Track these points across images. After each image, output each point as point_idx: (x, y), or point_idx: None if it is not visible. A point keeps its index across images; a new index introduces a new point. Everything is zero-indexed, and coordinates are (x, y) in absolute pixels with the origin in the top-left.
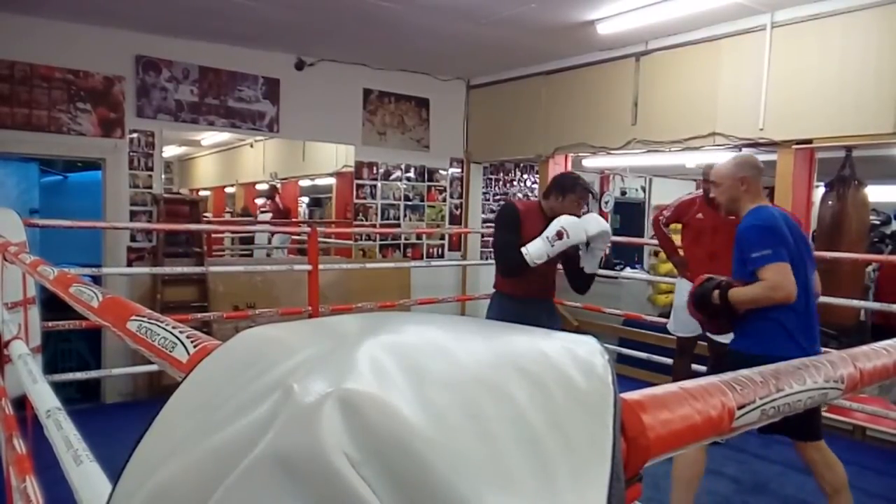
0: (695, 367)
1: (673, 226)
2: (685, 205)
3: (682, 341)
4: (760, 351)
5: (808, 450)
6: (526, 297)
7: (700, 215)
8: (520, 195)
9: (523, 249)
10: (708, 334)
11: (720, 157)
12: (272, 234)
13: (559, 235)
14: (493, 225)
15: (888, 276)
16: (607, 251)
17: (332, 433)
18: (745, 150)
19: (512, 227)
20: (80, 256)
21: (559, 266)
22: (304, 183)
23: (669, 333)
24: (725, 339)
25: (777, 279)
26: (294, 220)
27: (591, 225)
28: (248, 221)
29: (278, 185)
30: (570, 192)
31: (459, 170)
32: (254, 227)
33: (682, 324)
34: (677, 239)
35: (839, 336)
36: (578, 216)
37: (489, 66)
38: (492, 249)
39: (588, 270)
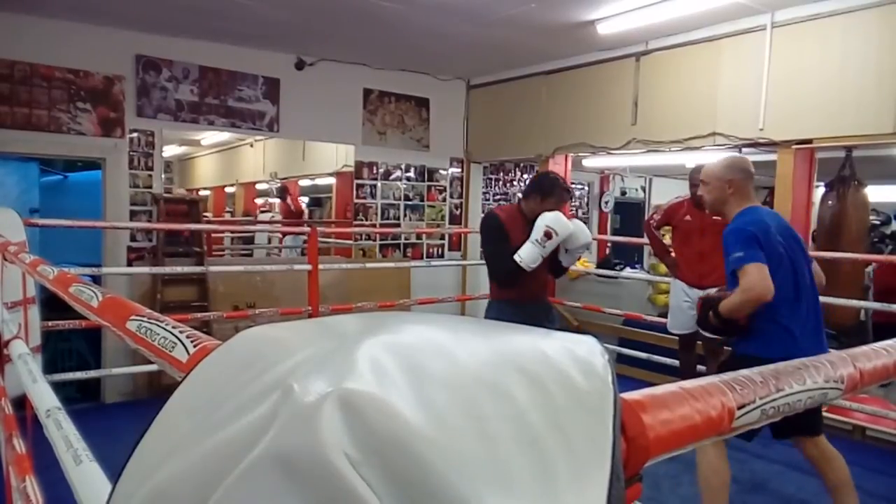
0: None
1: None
2: (674, 207)
3: (683, 338)
4: (763, 353)
5: (808, 445)
6: (523, 301)
7: (688, 217)
8: (519, 195)
9: (516, 257)
10: (700, 331)
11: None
12: (283, 234)
13: (548, 235)
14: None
15: (883, 273)
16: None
17: (332, 433)
18: (746, 150)
19: (499, 236)
20: (80, 256)
21: None
22: (304, 183)
23: (669, 333)
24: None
25: (747, 281)
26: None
27: (579, 238)
28: (248, 221)
29: (288, 186)
30: (550, 195)
31: (459, 170)
32: (254, 227)
33: (679, 322)
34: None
35: (839, 336)
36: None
37: (489, 66)
38: (484, 262)
39: (566, 265)
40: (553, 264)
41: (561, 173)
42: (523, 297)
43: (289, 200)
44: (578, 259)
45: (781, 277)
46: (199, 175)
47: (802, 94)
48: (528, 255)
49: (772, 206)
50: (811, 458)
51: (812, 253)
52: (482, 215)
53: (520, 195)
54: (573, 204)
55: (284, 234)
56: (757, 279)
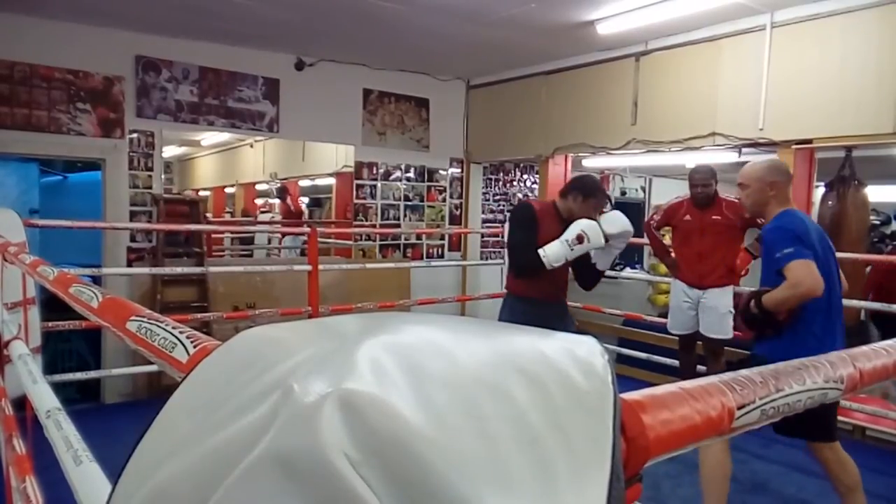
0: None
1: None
2: (673, 208)
3: (682, 338)
4: (784, 355)
5: (823, 450)
6: (539, 300)
7: (688, 217)
8: (520, 195)
9: (541, 251)
10: (701, 332)
11: (720, 158)
12: (282, 234)
13: (579, 239)
14: (494, 225)
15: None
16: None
17: (332, 433)
18: (746, 151)
19: (529, 226)
20: (80, 257)
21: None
22: (304, 183)
23: (669, 333)
24: (720, 335)
25: (797, 275)
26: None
27: (614, 224)
28: (248, 221)
29: (287, 187)
30: (591, 196)
31: (459, 170)
32: (254, 227)
33: (679, 322)
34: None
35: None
36: (594, 219)
37: (489, 66)
38: (505, 249)
39: (601, 268)
40: (585, 270)
41: (561, 173)
42: (539, 295)
43: (288, 201)
44: (615, 258)
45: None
46: (198, 175)
47: (802, 94)
48: (553, 252)
49: None
50: (825, 462)
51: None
52: (518, 201)
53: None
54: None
55: (284, 234)
56: (806, 273)
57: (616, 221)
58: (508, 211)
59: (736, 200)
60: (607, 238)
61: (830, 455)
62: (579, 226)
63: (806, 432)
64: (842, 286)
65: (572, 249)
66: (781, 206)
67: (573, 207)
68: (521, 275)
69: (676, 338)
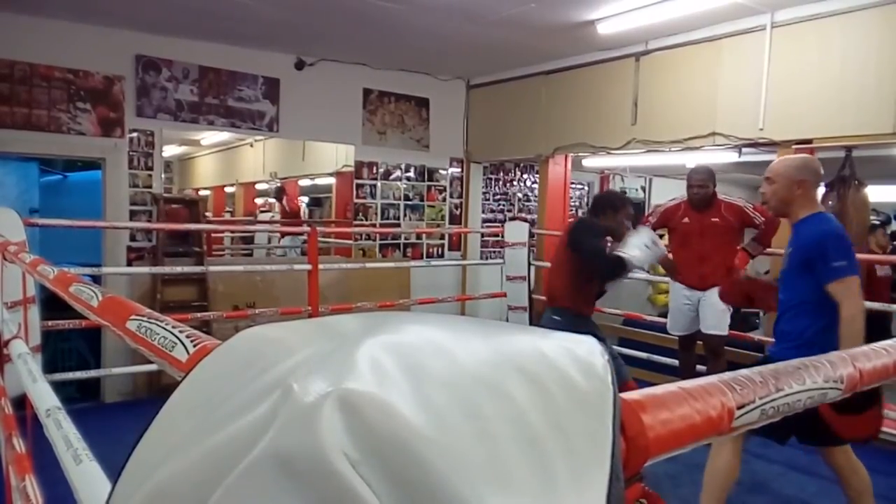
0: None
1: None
2: (671, 210)
3: (682, 339)
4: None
5: (836, 454)
6: (589, 316)
7: (686, 219)
8: (519, 195)
9: (624, 254)
10: (701, 329)
11: (720, 158)
12: (281, 234)
13: (648, 246)
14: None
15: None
16: None
17: (331, 433)
18: (746, 151)
19: (601, 235)
20: (80, 256)
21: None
22: (304, 183)
23: (668, 333)
24: (718, 331)
25: (856, 291)
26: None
27: (645, 260)
28: (248, 221)
29: (285, 187)
30: (622, 208)
31: (459, 169)
32: (254, 227)
33: (679, 323)
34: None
35: None
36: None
37: (489, 66)
38: (590, 259)
39: (606, 289)
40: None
41: (561, 173)
42: (590, 310)
43: (285, 201)
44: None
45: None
46: (198, 175)
47: (802, 94)
48: (638, 255)
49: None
50: (836, 466)
51: None
52: (574, 221)
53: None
54: (573, 204)
55: (282, 234)
56: (859, 291)
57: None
58: (508, 211)
59: (735, 202)
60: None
61: (843, 460)
62: (647, 233)
63: (819, 439)
64: None
65: (647, 254)
66: (809, 208)
67: (611, 223)
68: (610, 278)
69: (676, 338)
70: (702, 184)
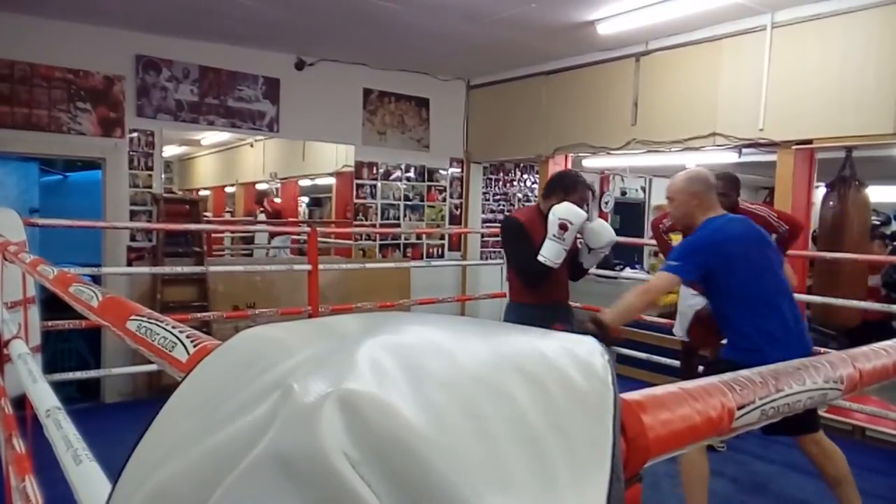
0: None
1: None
2: None
3: (686, 344)
4: (746, 359)
5: (806, 444)
6: (544, 305)
7: None
8: (519, 195)
9: (540, 257)
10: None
11: (720, 158)
12: (271, 235)
13: (563, 227)
14: (494, 225)
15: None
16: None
17: (331, 433)
18: (746, 151)
19: (522, 238)
20: (80, 256)
21: None
22: (304, 183)
23: (669, 333)
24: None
25: (658, 288)
26: (293, 219)
27: (599, 238)
28: (247, 221)
29: (271, 190)
30: (573, 191)
31: (459, 170)
32: (254, 227)
33: (683, 328)
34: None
35: (839, 336)
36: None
37: (489, 66)
38: (513, 267)
39: (587, 266)
40: (573, 266)
41: None
42: (544, 300)
43: (265, 204)
44: (601, 259)
45: (758, 281)
46: (199, 175)
47: (802, 94)
48: (549, 251)
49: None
50: (810, 455)
51: (813, 254)
52: (503, 218)
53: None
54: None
55: (272, 235)
56: (657, 283)
57: (601, 235)
58: (508, 211)
59: (758, 211)
60: (589, 223)
61: (814, 448)
62: (555, 215)
63: (787, 428)
64: (788, 280)
65: (563, 240)
66: (704, 215)
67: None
68: (536, 284)
69: (676, 338)
70: (724, 192)
